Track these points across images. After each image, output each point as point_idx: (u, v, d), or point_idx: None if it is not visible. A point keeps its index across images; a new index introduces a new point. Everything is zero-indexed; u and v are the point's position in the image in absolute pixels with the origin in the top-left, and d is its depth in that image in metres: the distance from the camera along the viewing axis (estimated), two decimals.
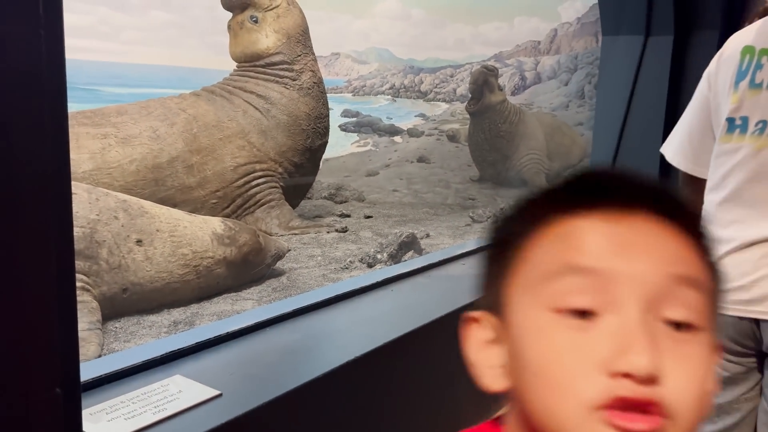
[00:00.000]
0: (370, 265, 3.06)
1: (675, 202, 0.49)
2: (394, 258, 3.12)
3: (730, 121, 1.40)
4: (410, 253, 3.17)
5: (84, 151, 3.38)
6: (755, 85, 1.36)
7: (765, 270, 1.32)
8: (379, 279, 2.31)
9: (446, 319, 1.99)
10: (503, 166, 6.92)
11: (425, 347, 1.92)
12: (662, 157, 1.65)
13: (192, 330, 2.19)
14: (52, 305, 0.72)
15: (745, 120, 1.37)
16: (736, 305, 1.34)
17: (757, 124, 1.35)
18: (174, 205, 3.62)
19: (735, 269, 1.33)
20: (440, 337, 2.00)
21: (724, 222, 1.38)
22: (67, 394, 0.74)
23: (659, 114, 4.19)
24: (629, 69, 4.38)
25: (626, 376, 0.42)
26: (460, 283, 2.45)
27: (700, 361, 0.45)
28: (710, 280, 0.48)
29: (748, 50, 1.39)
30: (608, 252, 0.45)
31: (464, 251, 2.92)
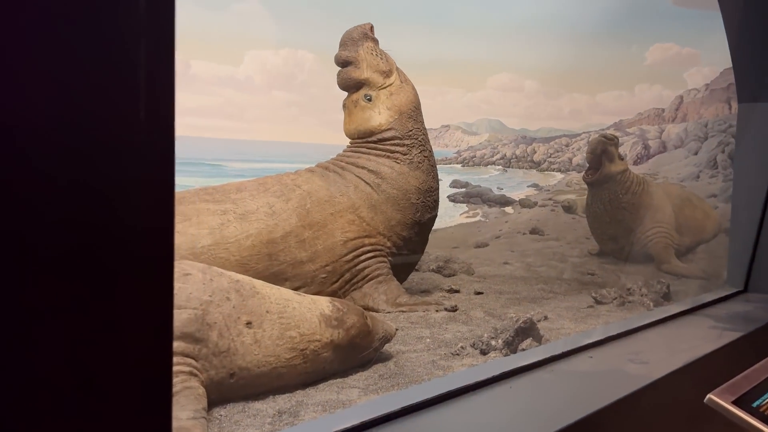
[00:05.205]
0: (483, 352, 2.84)
1: None
2: (510, 345, 2.88)
3: None
4: (528, 340, 2.92)
5: (204, 226, 3.50)
6: None
7: None
8: (496, 373, 2.11)
9: (574, 429, 1.74)
10: (626, 239, 6.44)
11: None
12: None
13: (295, 428, 2.09)
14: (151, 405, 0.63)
15: None
16: None
17: None
18: (285, 279, 3.63)
19: None
20: None
21: None
22: None
23: None
24: None
25: None
26: (588, 383, 2.18)
27: None
28: None
29: None
30: None
31: (590, 341, 2.63)
